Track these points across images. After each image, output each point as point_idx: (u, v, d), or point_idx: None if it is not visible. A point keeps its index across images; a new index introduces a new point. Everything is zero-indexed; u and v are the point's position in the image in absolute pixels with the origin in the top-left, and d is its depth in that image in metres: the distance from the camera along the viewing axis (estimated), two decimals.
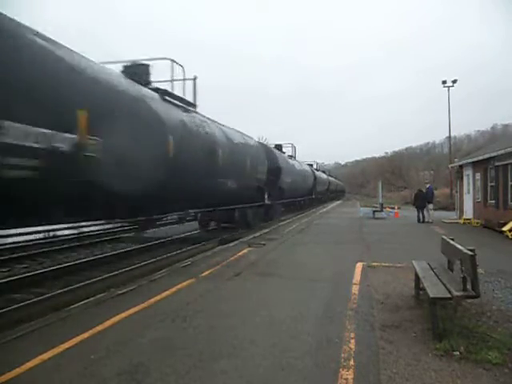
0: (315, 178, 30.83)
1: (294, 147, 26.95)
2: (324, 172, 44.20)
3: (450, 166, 24.47)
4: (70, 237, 12.66)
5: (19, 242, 11.08)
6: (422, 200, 18.22)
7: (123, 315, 4.75)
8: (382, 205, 22.34)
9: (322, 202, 38.73)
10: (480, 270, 5.67)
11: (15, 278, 7.48)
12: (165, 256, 9.50)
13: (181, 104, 9.38)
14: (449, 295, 4.10)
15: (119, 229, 14.96)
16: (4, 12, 4.94)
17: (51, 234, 12.40)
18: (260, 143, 17.71)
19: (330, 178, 48.06)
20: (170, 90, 8.96)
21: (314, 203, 33.00)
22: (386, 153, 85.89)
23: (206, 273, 7.12)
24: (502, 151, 13.61)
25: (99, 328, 4.32)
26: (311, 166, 33.89)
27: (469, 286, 4.11)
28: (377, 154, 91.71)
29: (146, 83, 8.28)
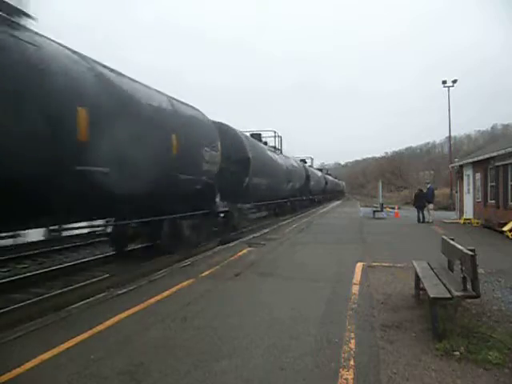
0: (326, 182, 41.64)
1: (312, 159, 38.98)
2: (330, 175, 55.00)
3: (450, 165, 24.47)
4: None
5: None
6: (421, 200, 18.20)
7: (123, 315, 4.76)
8: (382, 205, 22.36)
9: (327, 200, 46.61)
10: (480, 270, 5.66)
11: (15, 277, 7.47)
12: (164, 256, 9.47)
13: (276, 151, 20.07)
14: (449, 295, 4.09)
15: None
16: None
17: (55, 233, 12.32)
18: (301, 161, 27.81)
19: (336, 180, 58.88)
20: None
21: (318, 202, 38.58)
22: (386, 153, 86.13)
23: (206, 273, 7.12)
24: (502, 151, 13.61)
25: (99, 328, 4.32)
26: (321, 170, 45.30)
27: (469, 286, 4.11)
28: (377, 154, 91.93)
29: (261, 142, 18.13)
